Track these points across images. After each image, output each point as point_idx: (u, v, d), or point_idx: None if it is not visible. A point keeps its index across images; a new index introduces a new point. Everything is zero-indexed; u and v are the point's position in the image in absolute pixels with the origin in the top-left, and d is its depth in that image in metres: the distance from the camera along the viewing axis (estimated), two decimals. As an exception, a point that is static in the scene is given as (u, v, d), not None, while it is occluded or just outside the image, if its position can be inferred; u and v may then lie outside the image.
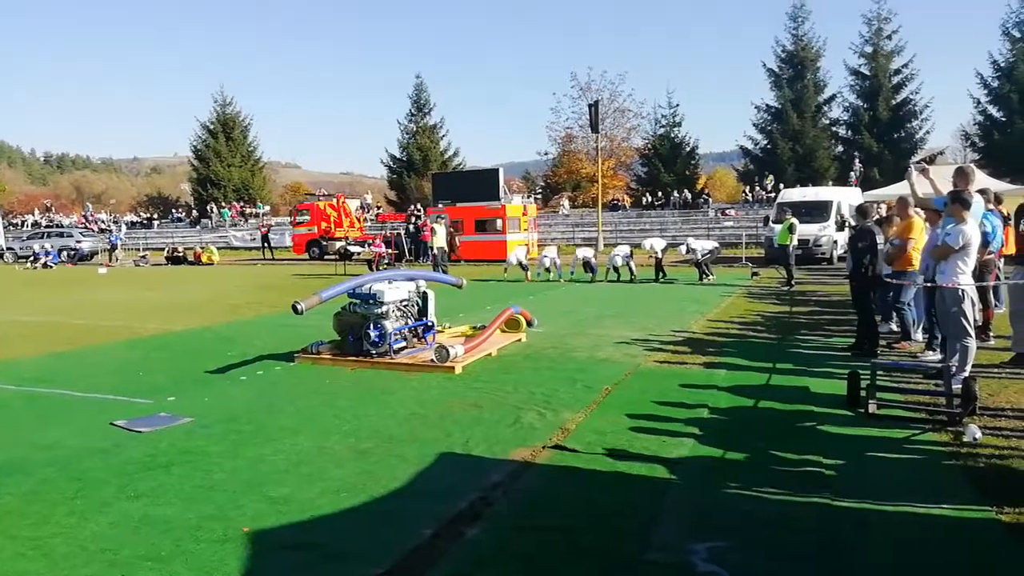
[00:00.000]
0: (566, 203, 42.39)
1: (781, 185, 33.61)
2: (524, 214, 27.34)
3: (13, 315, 12.94)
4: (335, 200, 32.05)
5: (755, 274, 17.43)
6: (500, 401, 6.02)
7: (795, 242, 15.56)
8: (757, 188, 38.36)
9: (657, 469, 4.31)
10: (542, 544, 3.37)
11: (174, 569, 3.16)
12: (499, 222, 26.16)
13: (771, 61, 41.69)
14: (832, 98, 41.20)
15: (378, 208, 46.30)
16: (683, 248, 18.26)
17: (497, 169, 28.06)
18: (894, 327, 8.78)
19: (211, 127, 52.06)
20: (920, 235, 7.88)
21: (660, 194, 40.50)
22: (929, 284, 6.85)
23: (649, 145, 45.19)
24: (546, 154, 52.25)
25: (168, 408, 5.95)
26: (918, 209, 8.03)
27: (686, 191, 40.41)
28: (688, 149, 45.09)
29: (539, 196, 47.34)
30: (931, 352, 7.46)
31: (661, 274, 17.52)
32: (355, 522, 3.65)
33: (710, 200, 40.93)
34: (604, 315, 11.36)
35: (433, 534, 3.46)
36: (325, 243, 30.30)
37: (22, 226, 48.03)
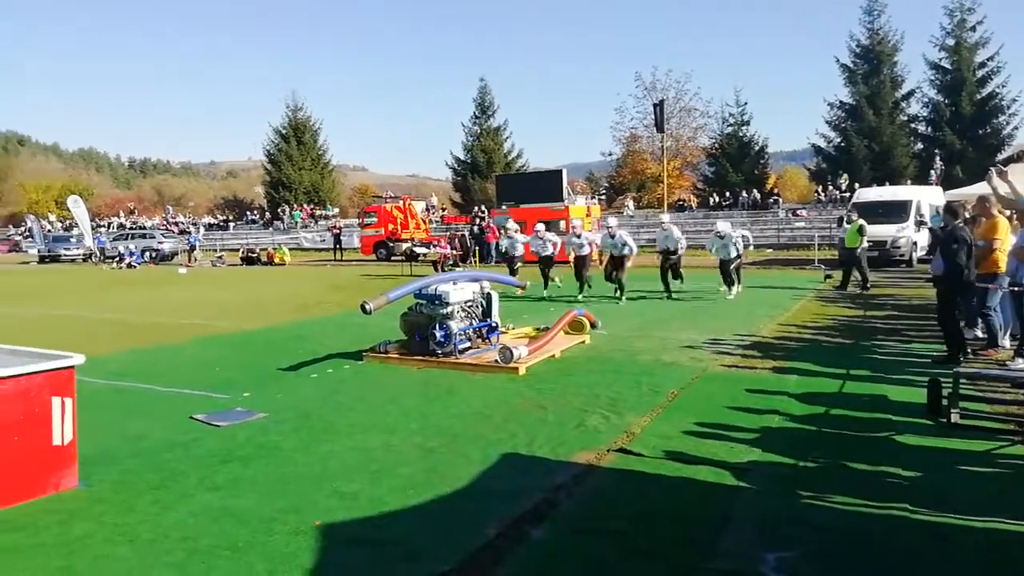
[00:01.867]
0: (631, 204, 42.00)
1: (856, 184, 32.43)
2: (588, 215, 27.22)
3: (101, 313, 13.67)
4: (401, 202, 32.62)
5: (828, 277, 16.86)
6: (564, 403, 6.02)
7: (865, 244, 15.01)
8: (830, 187, 37.15)
9: (724, 475, 4.24)
10: (606, 547, 3.36)
11: (250, 559, 3.28)
12: (562, 223, 26.10)
13: (845, 56, 40.35)
14: (911, 93, 39.53)
15: (443, 210, 46.92)
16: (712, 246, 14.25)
17: (560, 170, 28.03)
18: (979, 333, 8.36)
19: (283, 132, 53.77)
20: (1006, 236, 7.48)
21: (728, 194, 39.68)
22: (1016, 289, 6.50)
23: (716, 144, 44.33)
24: (610, 154, 51.91)
25: (244, 403, 6.18)
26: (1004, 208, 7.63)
27: (755, 191, 39.47)
28: (757, 148, 44.03)
29: (603, 197, 47.07)
30: (1021, 360, 7.08)
31: (679, 280, 14.53)
32: (422, 519, 3.72)
33: (780, 200, 39.85)
34: (669, 318, 11.20)
35: (498, 534, 3.49)
36: (392, 244, 30.84)
37: (108, 228, 50.58)
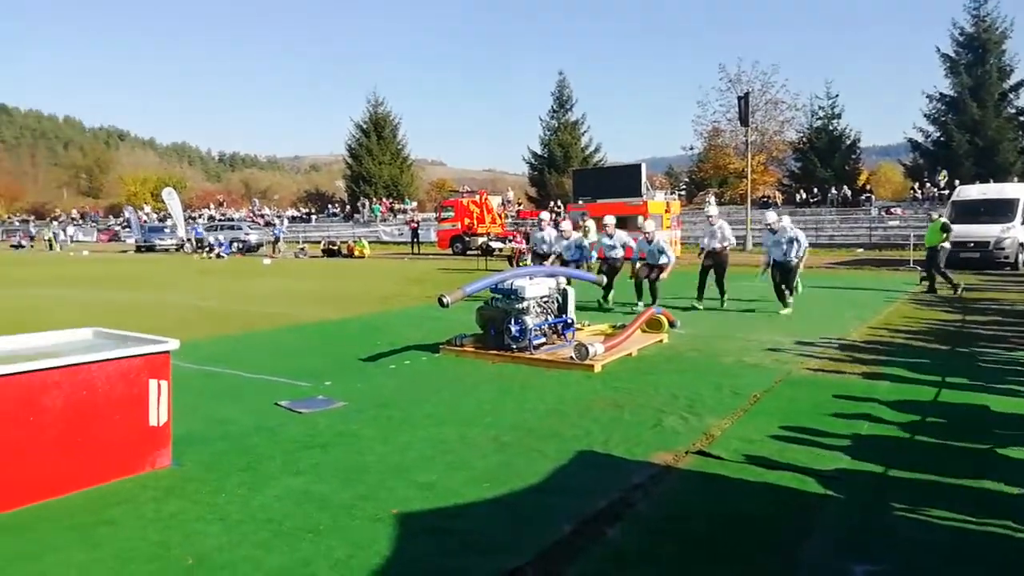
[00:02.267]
0: (712, 200, 41.00)
1: (956, 181, 30.66)
2: (667, 211, 26.72)
3: (192, 300, 14.37)
4: (478, 197, 32.91)
5: (924, 279, 16.02)
6: (641, 402, 5.93)
7: (947, 244, 14.19)
8: (927, 184, 35.26)
9: (809, 483, 4.07)
10: (684, 549, 3.28)
11: (330, 543, 3.36)
12: (640, 219, 25.72)
13: (946, 45, 38.28)
14: (1019, 85, 37.06)
15: (519, 205, 47.07)
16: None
17: (639, 164, 27.62)
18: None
19: (364, 126, 55.16)
20: None
21: (816, 190, 38.22)
22: None
23: (804, 138, 42.76)
24: (691, 149, 50.73)
25: (325, 392, 6.35)
26: None
27: (845, 187, 37.90)
28: (848, 142, 42.32)
29: (682, 192, 46.17)
30: None
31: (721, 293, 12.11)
32: (496, 512, 3.73)
33: (872, 197, 38.13)
34: (752, 318, 10.87)
35: (573, 530, 3.46)
36: (468, 239, 31.16)
37: (199, 219, 53.14)
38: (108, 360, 4.08)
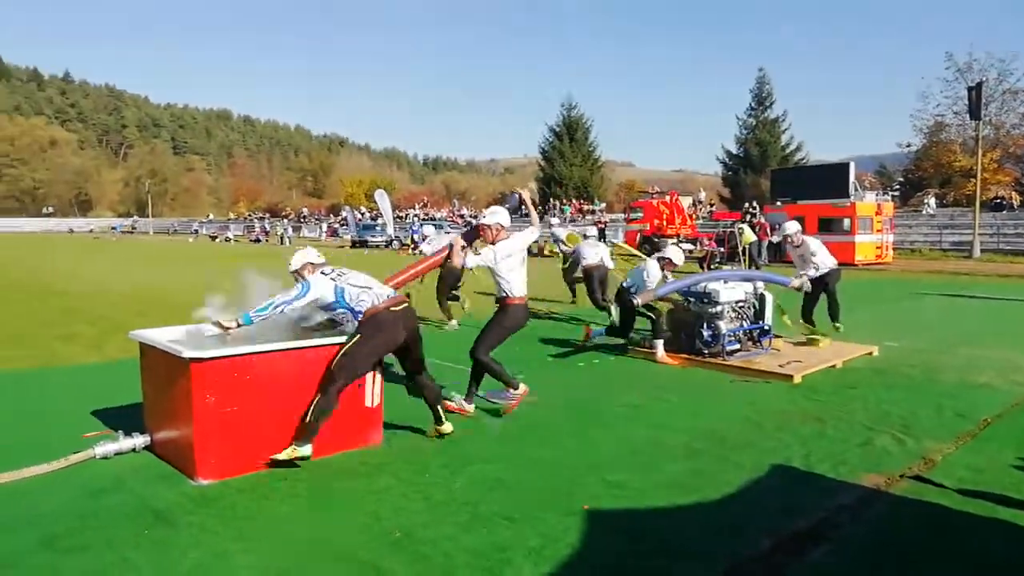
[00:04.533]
0: (932, 201, 36.93)
1: None
2: (878, 213, 24.47)
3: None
4: (668, 197, 32.23)
5: None
6: (846, 418, 5.51)
7: None
8: None
9: (1056, 524, 3.56)
10: (899, 583, 3.02)
11: (524, 532, 3.50)
12: (847, 222, 23.79)
13: None
14: None
15: (711, 206, 45.45)
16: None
17: (847, 163, 25.58)
18: None
19: (557, 130, 56.18)
20: None
21: (1064, 191, 33.06)
22: None
23: (1051, 132, 37.12)
24: (908, 145, 45.92)
25: (517, 385, 6.57)
26: None
27: (1104, 187, 32.38)
28: (1110, 135, 36.07)
29: (896, 193, 41.95)
30: None
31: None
32: (688, 519, 3.67)
33: None
34: (980, 331, 9.67)
35: (773, 547, 3.31)
36: (657, 240, 30.63)
37: (406, 219, 57.06)
38: (338, 344, 4.54)
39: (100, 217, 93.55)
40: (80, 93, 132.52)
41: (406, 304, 4.75)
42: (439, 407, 5.02)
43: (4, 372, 7.27)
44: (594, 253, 11.32)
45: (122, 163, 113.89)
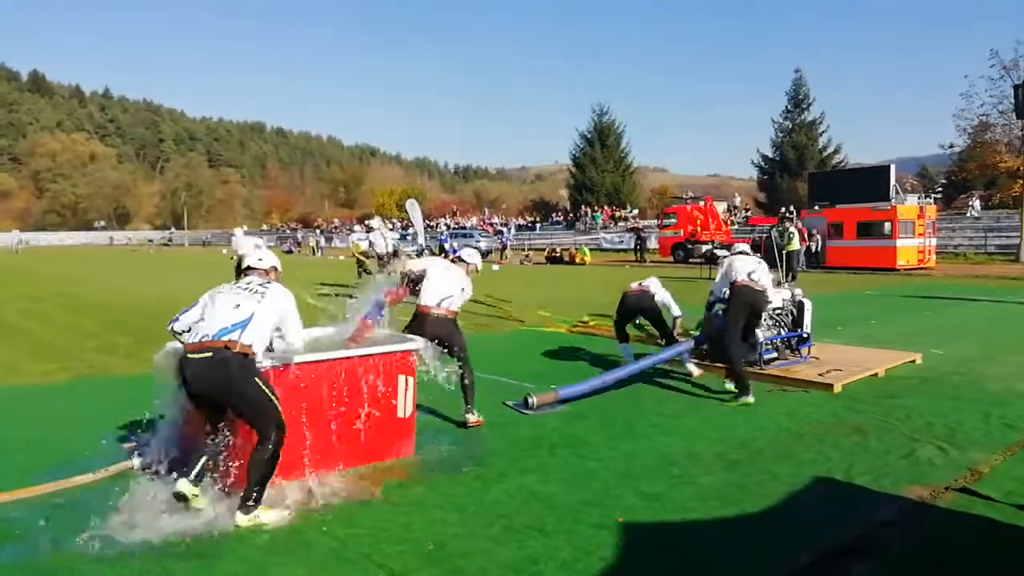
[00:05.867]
0: (976, 204, 35.97)
1: None
2: (920, 216, 23.90)
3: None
4: (703, 203, 31.89)
5: None
6: (888, 428, 5.37)
7: None
8: None
9: (1113, 541, 3.41)
10: (946, 602, 2.92)
11: (557, 544, 3.46)
12: (887, 225, 23.27)
13: None
14: None
15: (746, 210, 44.88)
16: None
17: (888, 166, 25.08)
18: None
19: (588, 136, 56.12)
20: None
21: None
22: None
23: (1102, 131, 35.83)
24: (950, 147, 44.76)
25: (550, 395, 6.53)
26: None
27: None
28: None
29: (939, 195, 40.93)
30: None
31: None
32: (725, 532, 3.60)
33: None
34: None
35: (812, 562, 3.23)
36: (691, 246, 30.30)
37: (436, 227, 57.43)
38: (372, 355, 4.56)
39: (138, 230, 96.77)
40: (119, 108, 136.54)
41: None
42: None
43: (42, 385, 7.45)
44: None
45: (159, 176, 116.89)
